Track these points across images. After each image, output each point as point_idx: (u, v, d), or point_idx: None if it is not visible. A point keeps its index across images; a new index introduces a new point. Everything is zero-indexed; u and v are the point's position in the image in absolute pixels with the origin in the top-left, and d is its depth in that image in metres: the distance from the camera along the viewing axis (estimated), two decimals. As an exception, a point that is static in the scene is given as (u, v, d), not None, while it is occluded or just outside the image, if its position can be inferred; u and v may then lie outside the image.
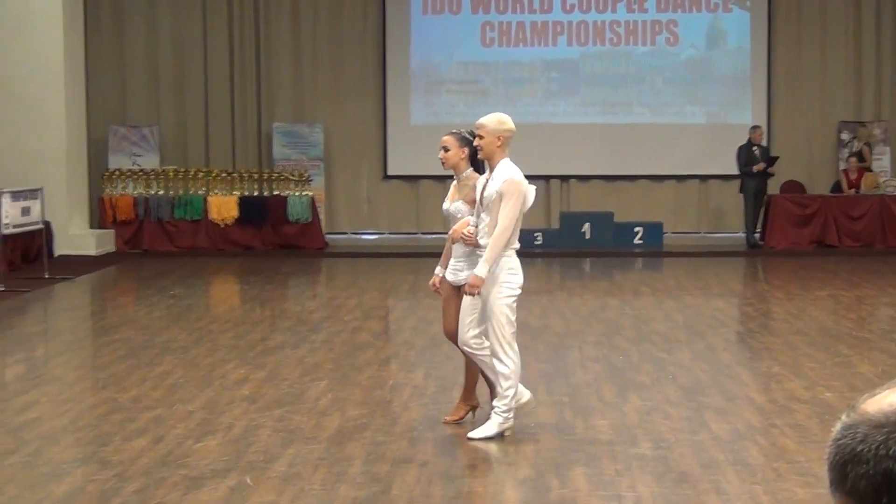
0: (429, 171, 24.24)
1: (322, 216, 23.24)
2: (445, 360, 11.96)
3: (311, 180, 22.94)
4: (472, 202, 8.87)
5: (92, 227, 22.76)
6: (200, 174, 22.91)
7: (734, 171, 23.05)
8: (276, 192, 22.73)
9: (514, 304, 8.68)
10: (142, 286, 18.45)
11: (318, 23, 24.51)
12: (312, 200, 22.57)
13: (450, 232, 8.97)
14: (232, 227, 22.48)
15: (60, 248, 21.26)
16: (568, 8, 24.33)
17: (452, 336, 9.04)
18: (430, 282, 9.41)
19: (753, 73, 24.41)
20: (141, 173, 23.10)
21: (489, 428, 8.73)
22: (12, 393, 10.75)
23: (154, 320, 14.64)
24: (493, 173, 8.63)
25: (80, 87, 22.29)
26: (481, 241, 8.60)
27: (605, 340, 13.06)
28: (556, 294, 17.31)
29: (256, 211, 22.49)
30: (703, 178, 24.48)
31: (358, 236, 24.62)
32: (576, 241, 22.63)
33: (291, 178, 22.71)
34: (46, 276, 18.40)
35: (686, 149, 24.35)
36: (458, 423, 9.17)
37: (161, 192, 22.88)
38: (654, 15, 24.36)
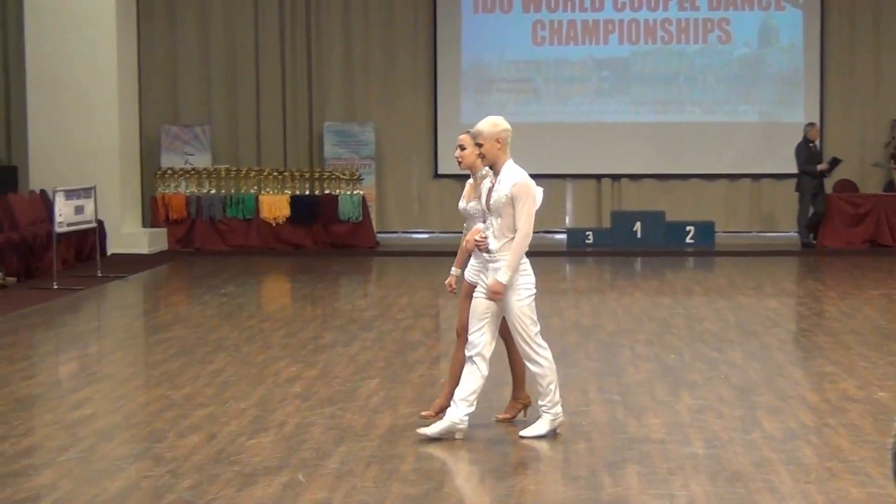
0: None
1: (373, 215, 23.27)
2: (496, 359, 11.93)
3: (362, 179, 22.98)
4: None
5: (144, 225, 22.89)
6: (252, 173, 22.99)
7: (787, 169, 22.93)
8: (327, 191, 22.78)
9: (533, 303, 8.68)
10: (194, 284, 18.54)
11: (370, 22, 24.54)
12: (363, 199, 22.61)
13: (464, 239, 8.93)
14: (283, 225, 22.55)
15: (113, 246, 21.38)
16: (619, 6, 24.25)
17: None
18: (447, 281, 9.37)
19: (806, 71, 24.26)
20: (193, 172, 23.21)
21: (540, 426, 8.73)
22: (66, 390, 10.83)
23: (206, 318, 14.71)
24: (500, 177, 8.61)
25: (133, 87, 22.42)
26: (491, 246, 8.56)
27: (657, 339, 13.01)
28: (607, 293, 17.27)
29: (308, 210, 22.55)
30: (756, 176, 24.35)
31: (408, 235, 24.64)
32: (627, 240, 22.57)
33: (342, 176, 22.75)
34: (99, 275, 18.52)
35: (738, 147, 24.23)
36: (510, 421, 9.16)
37: (213, 191, 22.98)
38: (706, 13, 24.24)
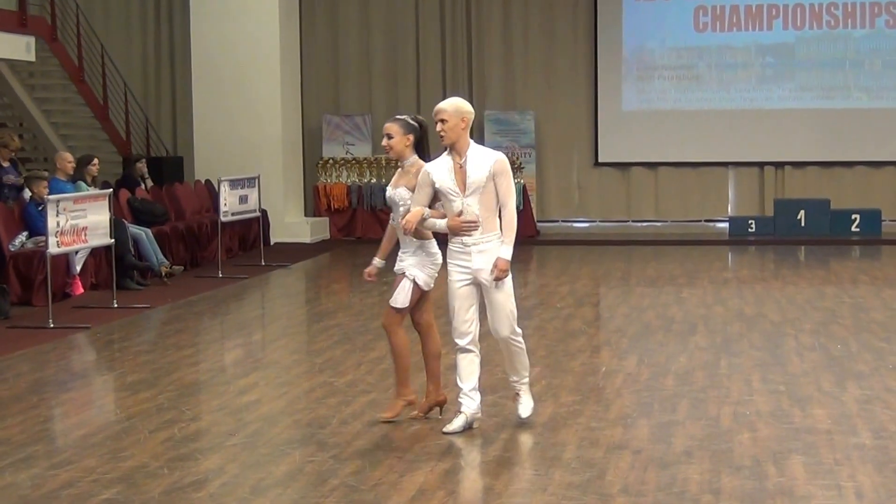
0: (641, 157, 24.10)
1: (533, 204, 23.25)
2: (658, 348, 11.86)
3: (522, 167, 22.96)
4: (414, 188, 8.54)
5: (307, 214, 23.16)
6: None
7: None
8: (486, 180, 22.76)
9: None
10: (355, 273, 18.67)
11: (530, 9, 24.48)
12: (524, 188, 22.58)
13: (401, 221, 8.47)
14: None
15: (276, 235, 21.67)
16: (784, -9, 23.89)
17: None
18: (366, 270, 8.91)
19: (977, 54, 23.64)
20: (354, 162, 23.42)
21: (527, 406, 8.77)
22: (232, 376, 11.00)
23: (367, 306, 14.82)
24: (467, 156, 8.37)
25: (295, 78, 22.70)
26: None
27: (822, 329, 12.79)
28: (770, 282, 17.02)
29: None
30: (924, 163, 23.79)
31: (569, 224, 24.55)
32: (791, 228, 22.24)
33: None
34: (263, 264, 18.78)
35: (906, 134, 23.69)
36: (422, 418, 8.88)
37: (374, 180, 23.16)
38: (874, -3, 23.76)
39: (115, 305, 14.59)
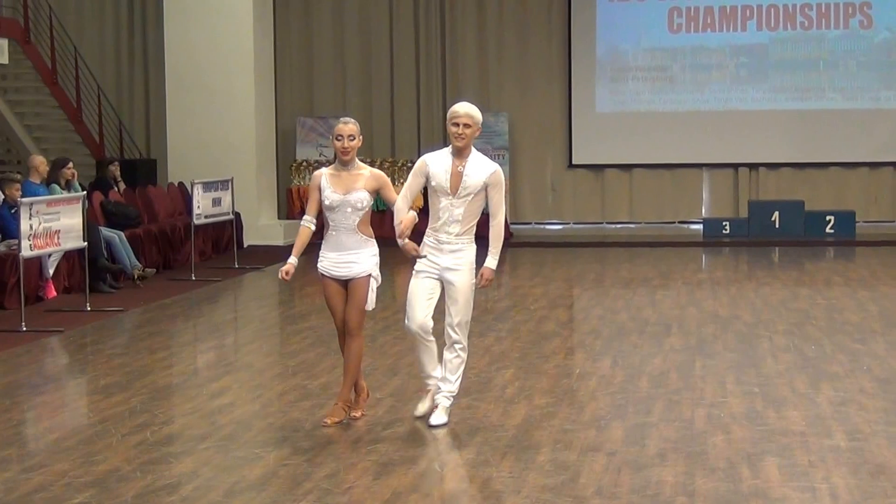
0: (615, 159, 24.11)
1: (507, 205, 23.21)
2: (632, 350, 11.85)
3: (496, 170, 22.90)
4: (373, 190, 8.85)
5: (280, 217, 23.11)
6: (386, 164, 23.07)
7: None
8: (460, 182, 22.74)
9: None
10: (330, 275, 18.62)
11: (504, 11, 24.48)
12: (497, 190, 22.52)
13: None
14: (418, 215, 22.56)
15: (249, 238, 21.62)
16: (758, -9, 23.95)
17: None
18: (283, 269, 8.77)
19: (951, 55, 23.74)
20: (328, 163, 23.32)
21: (444, 415, 8.74)
22: (206, 379, 10.96)
23: (342, 309, 14.74)
24: (467, 161, 8.65)
25: (269, 80, 22.65)
26: (453, 229, 8.68)
27: (797, 330, 12.80)
28: (744, 284, 17.04)
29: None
30: (898, 164, 23.86)
31: (542, 226, 24.56)
32: (765, 230, 22.31)
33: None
34: (236, 266, 18.74)
35: (880, 135, 23.73)
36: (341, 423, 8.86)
37: (348, 183, 23.08)
38: (847, -3, 23.84)
39: (88, 308, 14.52)
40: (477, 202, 8.61)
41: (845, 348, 11.75)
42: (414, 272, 8.74)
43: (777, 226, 22.37)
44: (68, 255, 15.49)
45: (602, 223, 24.40)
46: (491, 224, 8.59)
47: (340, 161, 8.92)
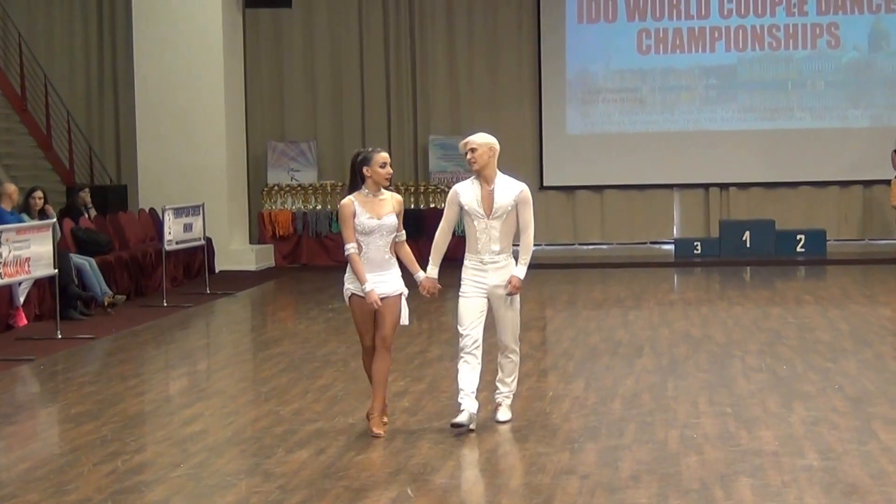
0: (586, 180, 24.16)
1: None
2: (605, 371, 11.86)
3: (467, 192, 22.91)
4: (399, 214, 9.53)
5: (252, 242, 23.07)
6: (358, 188, 23.02)
7: (899, 175, 22.57)
8: (432, 205, 22.79)
9: None
10: (301, 300, 18.61)
11: (473, 34, 24.54)
12: (469, 212, 22.54)
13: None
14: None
15: (221, 263, 21.55)
16: (726, 13, 24.04)
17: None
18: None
19: (918, 74, 23.87)
20: (299, 188, 23.37)
21: (508, 412, 9.62)
22: (177, 406, 10.91)
23: (314, 334, 14.76)
24: (495, 183, 9.43)
25: (239, 104, 22.61)
26: (494, 248, 9.44)
27: (768, 350, 12.83)
28: (716, 303, 17.08)
29: (413, 224, 22.38)
30: (868, 183, 23.93)
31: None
32: (736, 249, 22.36)
33: (448, 190, 22.70)
34: (208, 292, 18.68)
35: (850, 154, 23.86)
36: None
37: (319, 207, 23.12)
38: (815, 18, 23.94)
39: (59, 336, 14.44)
40: (510, 220, 9.40)
41: (817, 367, 11.78)
42: (461, 294, 9.49)
43: (748, 245, 22.43)
44: (39, 283, 15.42)
45: (574, 244, 24.44)
46: (521, 238, 9.46)
47: (373, 188, 9.43)
